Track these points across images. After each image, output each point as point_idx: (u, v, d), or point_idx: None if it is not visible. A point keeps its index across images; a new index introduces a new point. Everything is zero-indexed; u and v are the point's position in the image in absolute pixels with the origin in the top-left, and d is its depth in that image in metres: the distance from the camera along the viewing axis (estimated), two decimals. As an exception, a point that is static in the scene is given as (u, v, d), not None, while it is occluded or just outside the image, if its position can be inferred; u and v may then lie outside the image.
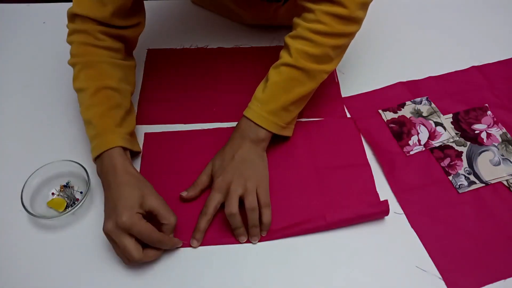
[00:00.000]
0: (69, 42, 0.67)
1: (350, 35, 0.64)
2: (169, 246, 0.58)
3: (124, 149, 0.61)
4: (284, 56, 0.64)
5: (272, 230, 0.61)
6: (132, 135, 0.67)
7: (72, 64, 0.66)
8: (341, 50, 0.66)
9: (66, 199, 0.64)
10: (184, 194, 0.63)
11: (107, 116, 0.62)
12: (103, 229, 0.55)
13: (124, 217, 0.53)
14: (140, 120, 0.74)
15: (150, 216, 0.57)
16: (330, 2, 0.60)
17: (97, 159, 0.61)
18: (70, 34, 0.66)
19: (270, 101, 0.64)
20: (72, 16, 0.65)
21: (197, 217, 0.62)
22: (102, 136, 0.61)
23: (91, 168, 0.64)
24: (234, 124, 0.73)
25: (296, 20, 0.65)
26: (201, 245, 0.60)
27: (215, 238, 0.61)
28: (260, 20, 0.89)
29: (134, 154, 0.67)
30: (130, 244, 0.54)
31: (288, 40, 0.65)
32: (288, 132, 0.68)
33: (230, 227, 0.60)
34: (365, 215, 0.61)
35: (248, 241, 0.60)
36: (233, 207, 0.58)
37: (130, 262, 0.55)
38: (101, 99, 0.63)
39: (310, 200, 0.64)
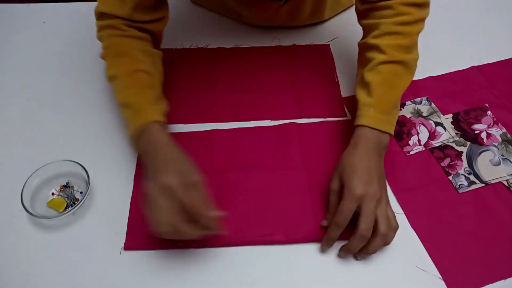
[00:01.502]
0: (99, 38, 0.68)
1: (425, 19, 0.66)
2: (212, 222, 0.54)
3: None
4: (376, 56, 0.64)
5: (258, 235, 0.60)
6: (165, 113, 0.65)
7: (103, 56, 0.67)
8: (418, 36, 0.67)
9: (66, 199, 0.64)
10: (324, 223, 0.60)
11: (142, 94, 0.63)
12: (160, 183, 0.52)
13: (194, 174, 0.53)
14: (140, 120, 0.74)
15: None
16: None
17: (135, 136, 0.60)
18: (98, 31, 0.68)
19: (381, 102, 0.62)
20: (100, 15, 0.67)
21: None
22: (141, 112, 0.61)
23: (91, 168, 0.64)
24: (234, 124, 0.74)
25: (371, 21, 0.66)
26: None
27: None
28: (260, 20, 0.89)
29: None
30: (172, 209, 0.51)
31: (372, 40, 0.65)
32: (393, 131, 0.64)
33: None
34: None
35: (247, 244, 0.60)
36: (367, 230, 0.55)
37: (165, 231, 0.52)
38: (135, 81, 0.63)
39: (302, 204, 0.64)
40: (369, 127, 0.61)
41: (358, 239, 0.55)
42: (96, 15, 0.68)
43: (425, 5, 0.65)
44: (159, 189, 0.52)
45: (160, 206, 0.51)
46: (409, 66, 0.65)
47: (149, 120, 0.59)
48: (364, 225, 0.55)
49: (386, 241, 0.57)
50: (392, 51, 0.63)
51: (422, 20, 0.65)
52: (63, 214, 0.60)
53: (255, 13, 0.87)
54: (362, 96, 0.64)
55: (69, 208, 0.61)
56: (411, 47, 0.65)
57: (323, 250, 0.59)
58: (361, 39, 0.70)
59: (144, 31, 0.69)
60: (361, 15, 0.70)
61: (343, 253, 0.59)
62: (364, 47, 0.67)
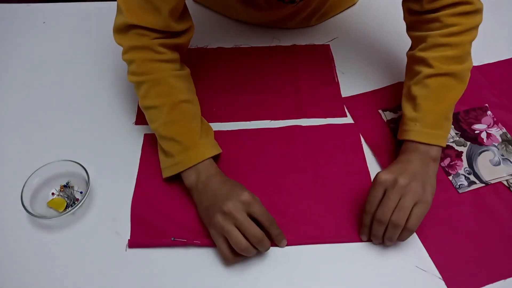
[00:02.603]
0: (128, 60, 0.64)
1: (479, 25, 0.64)
2: (280, 238, 0.59)
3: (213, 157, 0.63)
4: (423, 70, 0.63)
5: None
6: (214, 139, 0.67)
7: (137, 82, 0.64)
8: (471, 44, 0.65)
9: (66, 199, 0.64)
10: (364, 238, 0.60)
11: (189, 130, 0.63)
12: (213, 222, 0.55)
13: (245, 195, 0.55)
14: (140, 120, 0.74)
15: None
16: (453, 5, 0.61)
17: (186, 171, 0.61)
18: (127, 51, 0.63)
19: (427, 116, 0.62)
20: (126, 28, 0.61)
21: (196, 216, 0.62)
22: (192, 149, 0.62)
23: (91, 168, 0.64)
24: (234, 124, 0.74)
25: (419, 33, 0.66)
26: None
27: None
28: (268, 22, 0.89)
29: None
30: (252, 224, 0.54)
31: (419, 54, 0.64)
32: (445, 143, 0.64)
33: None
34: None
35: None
36: (386, 215, 0.55)
37: (236, 255, 0.56)
38: (179, 115, 0.63)
39: (308, 207, 0.64)
40: (415, 141, 0.61)
41: (375, 224, 0.56)
42: (121, 28, 0.62)
43: (476, 12, 0.62)
44: (226, 217, 0.55)
45: (232, 230, 0.54)
46: (460, 76, 0.63)
47: (203, 158, 0.61)
48: (380, 210, 0.56)
49: (400, 234, 0.56)
50: (438, 64, 0.62)
51: (473, 28, 0.63)
52: (63, 214, 0.60)
53: (266, 15, 0.86)
54: (408, 110, 0.65)
55: (69, 208, 0.61)
56: (462, 57, 0.63)
57: (362, 237, 0.60)
58: (409, 50, 0.69)
59: (175, 48, 0.66)
60: (410, 27, 0.69)
61: (372, 240, 0.59)
62: (412, 60, 0.67)
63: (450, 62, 0.62)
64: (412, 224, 0.55)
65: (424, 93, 0.63)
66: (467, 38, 0.63)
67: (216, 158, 0.66)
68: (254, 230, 0.54)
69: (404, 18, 0.70)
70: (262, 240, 0.55)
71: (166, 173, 0.64)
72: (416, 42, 0.67)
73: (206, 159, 0.62)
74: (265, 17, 0.87)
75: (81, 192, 0.65)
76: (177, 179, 0.64)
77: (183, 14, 0.66)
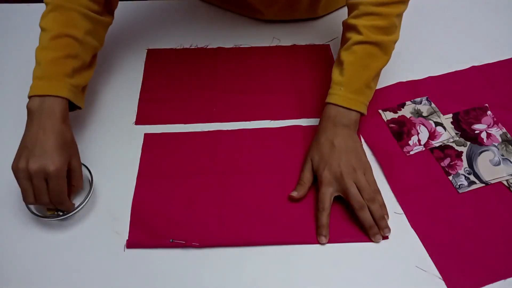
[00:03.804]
0: None
1: (407, 1, 0.66)
2: (64, 207, 0.59)
3: (68, 101, 0.61)
4: (353, 36, 0.65)
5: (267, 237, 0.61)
6: (81, 89, 0.65)
7: (45, 2, 0.64)
8: (401, 17, 0.68)
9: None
10: (294, 194, 0.62)
11: (59, 63, 0.61)
12: (16, 166, 0.56)
13: (58, 163, 0.55)
14: (140, 120, 0.74)
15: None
16: None
17: (34, 97, 0.59)
18: None
19: (352, 82, 0.64)
20: None
21: (196, 217, 0.62)
22: (50, 80, 0.60)
23: (91, 167, 0.64)
24: (234, 124, 0.74)
25: (353, 1, 0.67)
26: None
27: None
28: (281, 15, 0.89)
29: (75, 108, 0.65)
30: (44, 188, 0.56)
31: (350, 21, 0.66)
32: (366, 110, 0.67)
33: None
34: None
35: (249, 245, 0.60)
36: (360, 200, 0.59)
37: (35, 202, 0.57)
38: (59, 45, 0.62)
39: (305, 206, 0.64)
40: (339, 105, 0.64)
41: (361, 212, 0.59)
42: None
43: None
44: (40, 172, 0.55)
45: (42, 187, 0.56)
46: (385, 47, 0.65)
47: (55, 93, 0.59)
48: (354, 200, 0.59)
49: (379, 204, 0.61)
50: (368, 32, 0.64)
51: (402, 2, 0.65)
52: (65, 215, 0.60)
53: (280, 8, 0.86)
54: (335, 74, 0.67)
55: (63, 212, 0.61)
56: (389, 29, 0.65)
57: (321, 241, 0.60)
58: (345, 19, 0.70)
59: None
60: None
61: (369, 232, 0.60)
62: (345, 27, 0.69)
63: (378, 31, 0.64)
64: (377, 189, 0.62)
65: (351, 59, 0.65)
66: (395, 10, 0.65)
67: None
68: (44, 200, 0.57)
69: None
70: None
71: (30, 91, 0.60)
72: (350, 10, 0.69)
73: (59, 97, 0.59)
74: (283, 11, 0.87)
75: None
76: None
77: None
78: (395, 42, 0.67)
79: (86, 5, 0.65)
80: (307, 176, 0.64)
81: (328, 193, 0.60)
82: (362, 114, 0.66)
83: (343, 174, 0.60)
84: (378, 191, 0.62)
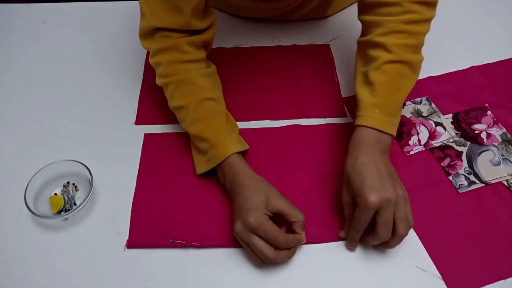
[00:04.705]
0: (155, 63, 0.66)
1: (431, 20, 0.64)
2: (294, 243, 0.57)
3: (239, 153, 0.63)
4: (382, 55, 0.62)
5: None
6: (239, 135, 0.68)
7: (164, 84, 0.66)
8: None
9: (65, 198, 0.64)
10: (341, 234, 0.61)
11: (214, 127, 0.64)
12: (234, 231, 0.56)
13: (251, 218, 0.54)
14: (140, 120, 0.74)
15: (278, 218, 0.57)
16: None
17: (216, 168, 0.63)
18: (154, 55, 0.65)
19: (387, 103, 0.61)
20: (152, 32, 0.63)
21: (196, 217, 0.62)
22: (218, 146, 0.62)
23: (91, 167, 0.64)
24: (234, 124, 0.74)
25: (374, 18, 0.64)
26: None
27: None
28: (279, 14, 0.89)
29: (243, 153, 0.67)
30: (261, 243, 0.54)
31: (378, 38, 0.62)
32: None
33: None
34: None
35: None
36: (389, 234, 0.55)
37: (264, 262, 0.55)
38: (204, 112, 0.64)
39: (307, 206, 0.64)
40: (371, 127, 0.60)
41: (376, 240, 0.56)
42: (146, 33, 0.64)
43: (433, 5, 0.62)
44: (247, 230, 0.55)
45: (256, 243, 0.54)
46: (414, 67, 0.63)
47: (228, 154, 0.62)
48: (383, 233, 0.55)
49: (401, 239, 0.56)
50: (398, 51, 0.61)
51: (429, 21, 0.63)
52: (66, 214, 0.60)
53: (278, 7, 0.86)
54: (365, 95, 0.62)
55: (64, 211, 0.61)
56: (418, 48, 0.63)
57: (350, 249, 0.60)
58: (362, 36, 0.67)
59: (201, 45, 0.68)
60: (364, 10, 0.66)
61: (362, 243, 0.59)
62: (367, 45, 0.65)
63: (409, 50, 0.62)
64: (411, 225, 0.56)
65: (383, 80, 0.61)
66: (424, 28, 0.62)
67: (244, 154, 0.68)
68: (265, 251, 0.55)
69: (360, 2, 0.67)
70: (273, 259, 0.55)
71: (199, 170, 0.65)
72: (370, 27, 0.65)
73: (232, 155, 0.62)
74: (280, 9, 0.87)
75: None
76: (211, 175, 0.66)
77: (205, 11, 0.67)
78: (421, 62, 0.64)
79: (198, 67, 0.67)
80: (349, 212, 0.60)
81: (369, 217, 0.55)
82: (393, 137, 0.62)
83: (391, 201, 0.54)
84: (411, 227, 0.56)
